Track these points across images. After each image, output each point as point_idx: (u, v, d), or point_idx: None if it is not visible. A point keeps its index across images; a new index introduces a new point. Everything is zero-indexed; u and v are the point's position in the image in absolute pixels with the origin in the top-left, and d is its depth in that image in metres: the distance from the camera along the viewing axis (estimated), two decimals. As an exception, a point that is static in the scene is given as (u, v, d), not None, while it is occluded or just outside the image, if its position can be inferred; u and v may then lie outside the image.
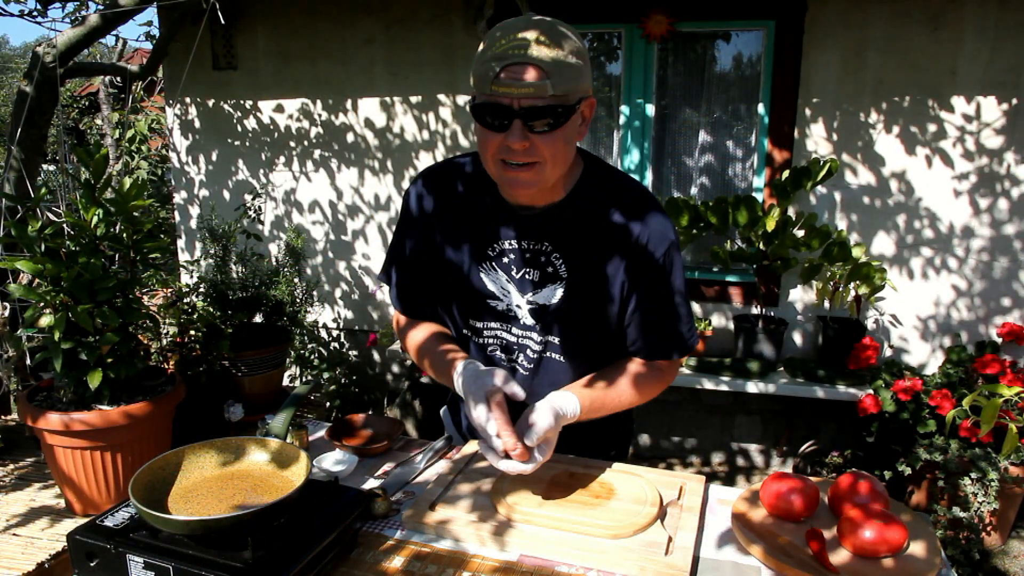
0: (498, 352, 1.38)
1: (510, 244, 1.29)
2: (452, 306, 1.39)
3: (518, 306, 1.32)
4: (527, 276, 1.30)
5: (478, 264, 1.32)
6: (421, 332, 1.42)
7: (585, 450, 1.45)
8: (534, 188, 1.19)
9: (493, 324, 1.36)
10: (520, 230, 1.28)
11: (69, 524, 1.60)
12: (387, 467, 1.47)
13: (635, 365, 1.34)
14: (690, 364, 3.45)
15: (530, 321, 1.32)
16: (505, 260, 1.31)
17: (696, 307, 3.68)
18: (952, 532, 2.78)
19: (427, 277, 1.40)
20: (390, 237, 4.00)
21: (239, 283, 2.43)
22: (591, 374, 1.33)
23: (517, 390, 1.19)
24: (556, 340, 1.32)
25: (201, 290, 2.39)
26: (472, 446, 1.48)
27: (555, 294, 1.29)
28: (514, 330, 1.35)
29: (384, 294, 3.98)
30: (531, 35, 1.09)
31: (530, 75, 1.08)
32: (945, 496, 2.90)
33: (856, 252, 3.16)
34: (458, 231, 1.33)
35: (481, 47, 1.14)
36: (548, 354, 1.34)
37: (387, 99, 3.84)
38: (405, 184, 3.91)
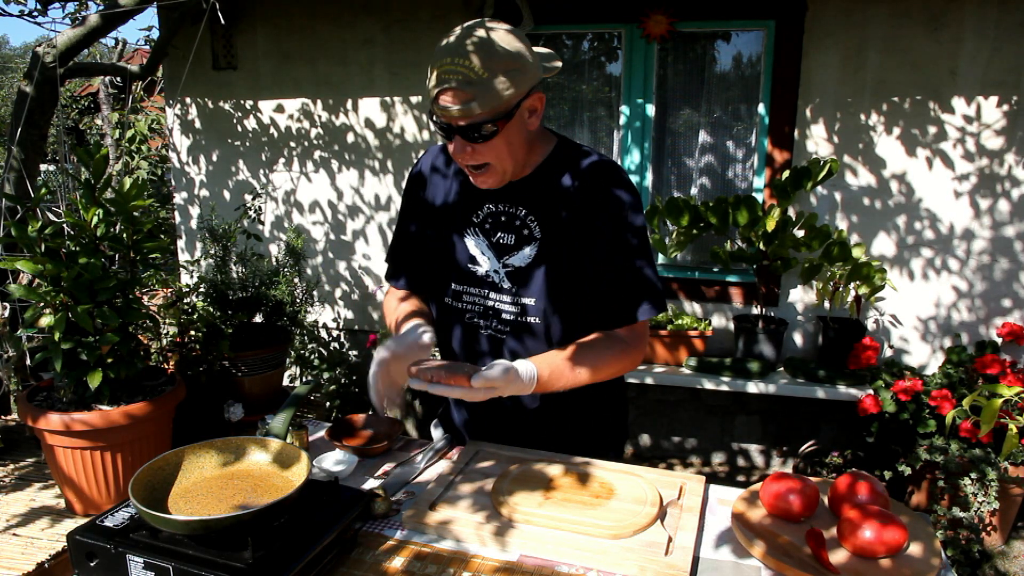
0: (476, 319, 1.46)
1: (488, 208, 1.41)
2: (437, 271, 1.49)
3: (495, 271, 1.42)
4: (502, 240, 1.40)
5: (464, 228, 1.43)
6: (394, 301, 1.55)
7: (583, 451, 1.47)
8: (492, 181, 1.33)
9: (472, 289, 1.45)
10: (498, 195, 1.40)
11: (69, 524, 1.60)
12: (387, 467, 1.47)
13: (597, 336, 1.38)
14: (690, 364, 3.45)
15: (507, 284, 1.41)
16: (487, 225, 1.42)
17: (696, 307, 3.68)
18: (952, 532, 2.78)
19: (418, 248, 1.52)
20: (390, 237, 4.00)
21: (239, 283, 2.43)
22: (555, 348, 1.37)
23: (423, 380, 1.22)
24: (531, 301, 1.39)
25: (201, 290, 2.39)
26: (473, 446, 1.48)
27: (530, 255, 1.38)
28: (491, 295, 1.43)
29: (383, 294, 3.98)
30: (458, 59, 1.17)
31: (457, 99, 1.18)
32: (945, 496, 2.90)
33: (856, 252, 3.16)
34: (448, 201, 1.46)
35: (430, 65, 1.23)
36: (524, 318, 1.41)
37: (387, 99, 3.84)
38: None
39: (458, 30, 1.22)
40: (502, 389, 1.22)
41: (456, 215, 1.44)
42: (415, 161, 1.56)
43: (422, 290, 1.56)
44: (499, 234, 1.40)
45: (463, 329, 1.47)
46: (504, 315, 1.42)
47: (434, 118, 1.26)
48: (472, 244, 1.43)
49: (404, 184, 1.56)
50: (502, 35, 1.20)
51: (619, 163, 1.46)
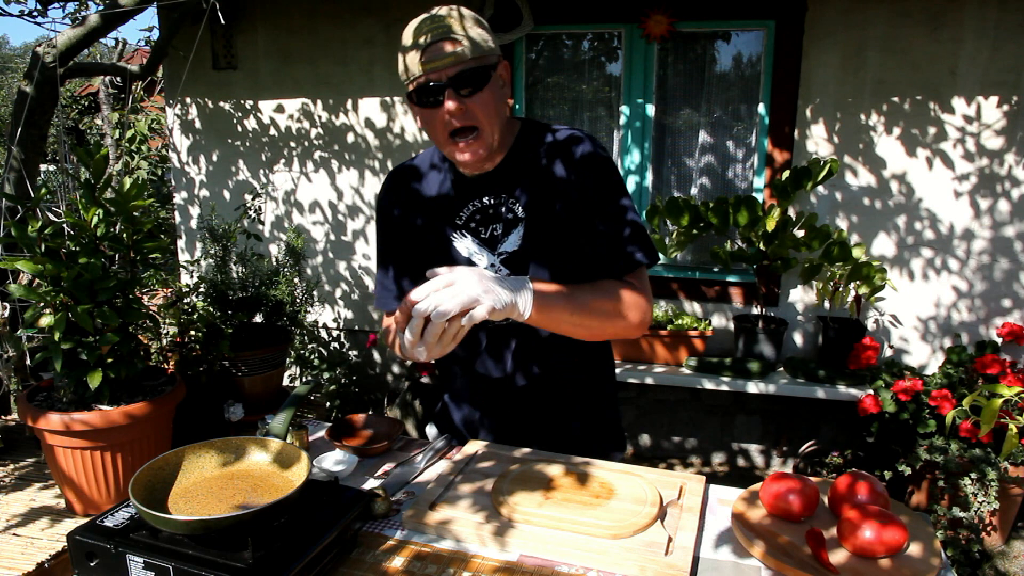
0: None
1: (473, 206, 1.41)
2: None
3: (492, 265, 1.41)
4: (494, 232, 1.41)
5: (450, 234, 1.43)
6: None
7: (581, 449, 1.48)
8: (482, 150, 1.31)
9: None
10: (479, 191, 1.41)
11: (69, 524, 1.60)
12: (387, 467, 1.47)
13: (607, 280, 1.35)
14: (690, 364, 3.45)
15: (504, 272, 1.41)
16: (472, 224, 1.42)
17: (696, 307, 3.68)
18: (952, 532, 2.78)
19: (406, 269, 1.50)
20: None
21: (239, 283, 2.43)
22: None
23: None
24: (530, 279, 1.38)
25: (201, 290, 2.39)
26: (473, 446, 1.48)
27: (519, 237, 1.39)
28: None
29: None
30: (439, 18, 1.24)
31: (449, 47, 1.23)
32: (945, 496, 2.90)
33: (856, 252, 3.16)
34: (427, 213, 1.45)
35: (401, 45, 1.28)
36: None
37: (387, 99, 3.84)
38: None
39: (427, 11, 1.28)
40: (487, 289, 1.09)
41: (438, 223, 1.44)
42: (382, 184, 1.55)
43: None
44: (488, 228, 1.40)
45: (470, 331, 1.45)
46: None
47: (416, 90, 1.26)
48: (462, 246, 1.42)
49: (375, 215, 1.55)
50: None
51: (588, 130, 1.47)
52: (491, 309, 1.09)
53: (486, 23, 1.31)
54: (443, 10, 1.27)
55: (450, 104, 1.25)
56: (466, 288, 1.08)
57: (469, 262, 1.41)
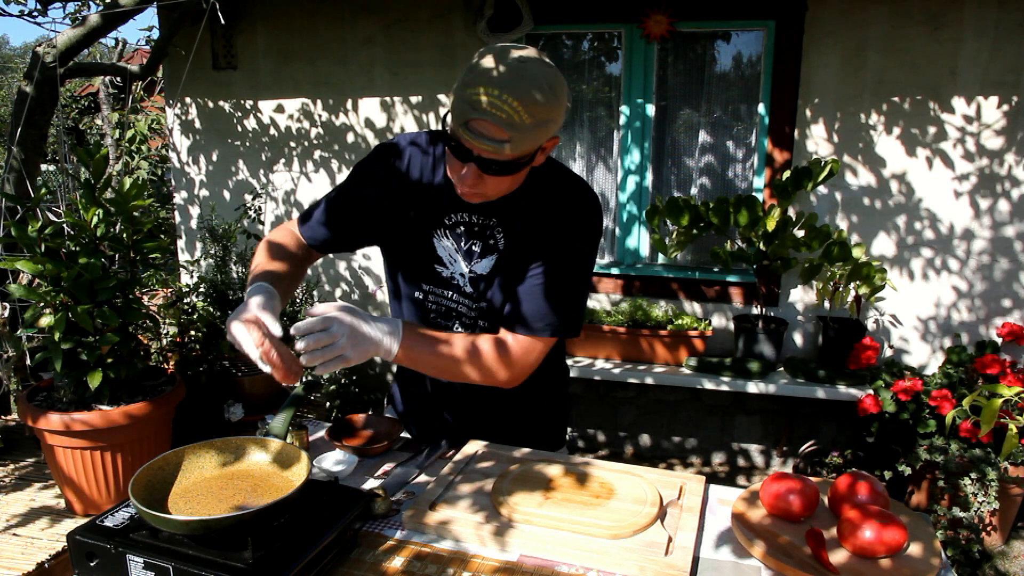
0: (439, 319, 1.48)
1: (463, 216, 1.41)
2: (402, 269, 1.49)
3: (461, 274, 1.43)
4: (473, 247, 1.41)
5: (433, 230, 1.42)
6: (273, 247, 1.42)
7: (522, 440, 1.52)
8: (479, 199, 1.31)
9: (437, 289, 1.46)
10: (472, 205, 1.38)
11: (69, 524, 1.60)
12: (387, 467, 1.47)
13: (490, 336, 1.37)
14: (690, 364, 3.45)
15: (469, 289, 1.43)
16: (458, 231, 1.41)
17: (696, 307, 3.68)
18: (952, 532, 2.78)
19: (349, 226, 1.45)
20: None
21: (239, 283, 2.43)
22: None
23: (271, 325, 1.17)
24: (487, 307, 1.42)
25: (201, 290, 2.40)
26: (472, 446, 1.48)
27: (491, 264, 1.40)
28: (454, 296, 1.45)
29: (383, 294, 3.98)
30: (508, 96, 1.11)
31: (493, 134, 1.14)
32: (945, 496, 2.90)
33: (856, 252, 3.16)
34: (419, 197, 1.42)
35: (465, 75, 1.16)
36: (480, 322, 1.44)
37: (387, 99, 3.84)
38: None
39: (513, 59, 1.14)
40: (355, 344, 1.17)
41: (426, 213, 1.42)
42: (387, 141, 1.47)
43: (326, 251, 1.50)
44: (468, 241, 1.41)
45: (426, 327, 1.45)
46: (464, 319, 1.45)
47: (449, 132, 1.21)
48: (439, 246, 1.43)
49: (368, 156, 1.45)
50: (553, 80, 1.16)
51: (594, 190, 1.42)
52: (351, 362, 1.18)
53: (563, 97, 1.18)
54: (524, 80, 1.12)
55: (468, 176, 1.21)
56: (339, 348, 1.15)
57: (442, 263, 1.43)
